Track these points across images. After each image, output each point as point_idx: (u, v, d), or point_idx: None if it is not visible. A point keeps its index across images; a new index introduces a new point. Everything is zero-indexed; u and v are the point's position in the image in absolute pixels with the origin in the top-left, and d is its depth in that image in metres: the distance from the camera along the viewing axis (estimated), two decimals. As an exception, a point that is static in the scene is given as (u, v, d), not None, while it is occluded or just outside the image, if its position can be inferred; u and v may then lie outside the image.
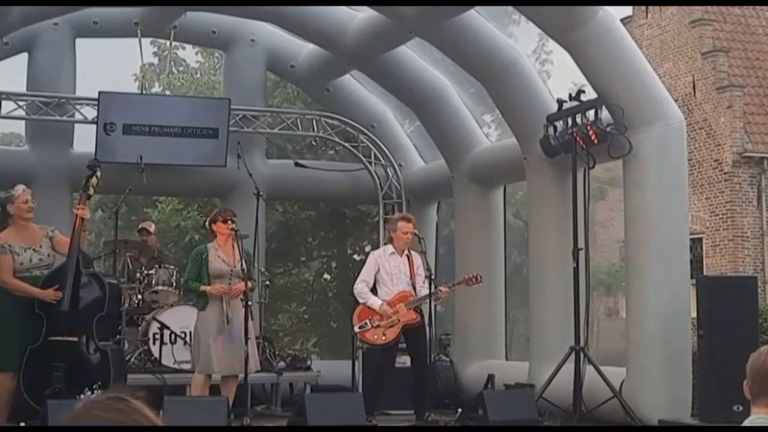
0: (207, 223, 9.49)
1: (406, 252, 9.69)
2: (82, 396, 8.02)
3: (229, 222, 9.06)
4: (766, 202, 19.48)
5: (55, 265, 8.58)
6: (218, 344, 8.83)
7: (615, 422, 9.15)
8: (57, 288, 8.28)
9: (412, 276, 9.60)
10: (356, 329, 9.61)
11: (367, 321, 9.49)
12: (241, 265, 8.87)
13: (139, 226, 12.41)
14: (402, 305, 9.45)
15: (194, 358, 9.11)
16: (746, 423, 3.48)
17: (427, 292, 9.44)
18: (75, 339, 8.30)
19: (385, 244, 10.13)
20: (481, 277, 9.88)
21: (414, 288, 9.56)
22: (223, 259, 8.98)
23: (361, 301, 9.61)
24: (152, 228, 12.21)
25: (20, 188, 8.59)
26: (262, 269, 11.82)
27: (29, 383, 8.18)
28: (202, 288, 8.90)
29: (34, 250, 8.39)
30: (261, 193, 10.83)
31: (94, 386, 8.06)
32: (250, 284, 9.00)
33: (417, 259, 9.69)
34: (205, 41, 14.58)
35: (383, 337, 9.44)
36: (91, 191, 8.71)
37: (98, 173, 8.73)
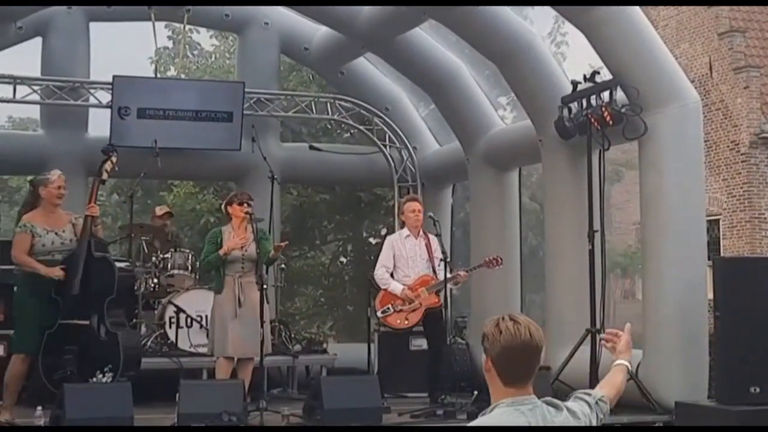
0: (223, 206, 9.50)
1: (422, 234, 9.68)
2: (93, 379, 8.06)
3: (245, 205, 9.07)
4: (783, 182, 19.38)
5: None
6: (233, 327, 8.85)
7: (631, 404, 9.11)
8: (64, 268, 8.29)
9: (431, 258, 9.59)
10: (379, 314, 9.63)
11: (390, 306, 9.51)
12: (256, 248, 8.89)
13: (161, 211, 12.36)
14: (423, 289, 9.45)
15: (211, 341, 9.16)
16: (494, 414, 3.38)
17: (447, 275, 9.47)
18: (86, 322, 8.31)
19: (400, 228, 10.13)
20: (501, 260, 9.86)
21: (434, 271, 9.55)
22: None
23: (382, 286, 9.61)
24: (161, 212, 12.24)
25: (56, 173, 8.62)
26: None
27: (46, 367, 8.22)
28: (221, 251, 8.90)
29: (56, 233, 8.42)
30: (276, 177, 10.84)
31: (105, 369, 8.08)
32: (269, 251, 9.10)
33: (434, 242, 9.69)
34: (219, 24, 14.57)
35: (406, 321, 9.48)
36: (105, 176, 8.75)
37: (113, 158, 8.75)
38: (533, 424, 3.35)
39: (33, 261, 8.30)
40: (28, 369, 8.33)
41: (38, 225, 8.40)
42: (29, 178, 9.78)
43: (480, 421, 3.37)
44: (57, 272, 8.25)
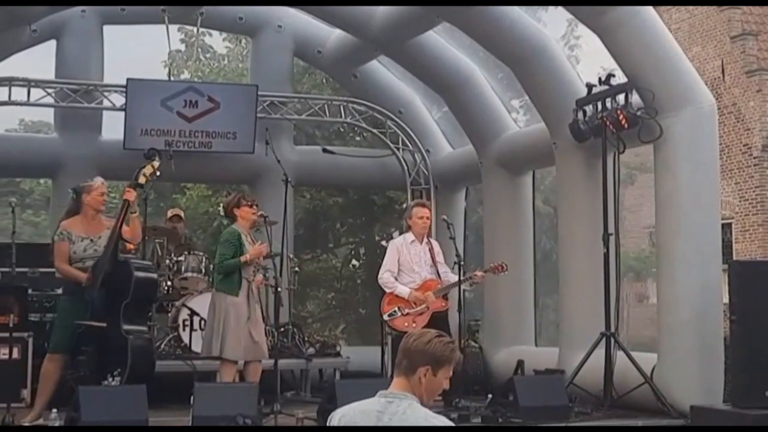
0: (226, 207, 9.27)
1: (426, 239, 9.67)
2: (104, 382, 8.06)
3: (254, 207, 9.02)
4: (796, 186, 19.32)
5: None
6: (247, 330, 8.83)
7: (646, 408, 9.10)
8: (90, 272, 8.35)
9: (434, 263, 9.58)
10: (385, 317, 9.59)
11: (396, 309, 9.48)
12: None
13: (170, 214, 12.39)
14: (430, 293, 9.42)
15: (222, 344, 8.87)
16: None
17: (455, 278, 9.45)
18: (104, 324, 8.30)
19: (405, 232, 10.06)
20: (507, 266, 9.82)
21: (438, 275, 9.54)
22: (253, 244, 8.98)
23: (388, 290, 9.56)
24: (170, 214, 12.28)
25: (99, 180, 8.70)
26: (291, 255, 11.83)
27: (72, 368, 8.28)
28: (243, 258, 8.82)
29: (91, 240, 8.46)
30: (289, 180, 10.82)
31: (115, 373, 8.07)
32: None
33: (436, 245, 9.68)
34: (232, 27, 14.61)
35: (413, 324, 9.42)
36: (142, 180, 8.68)
37: (155, 163, 8.72)
38: (382, 412, 3.86)
39: (73, 270, 8.39)
40: (61, 371, 8.37)
41: (74, 232, 8.45)
42: (43, 180, 9.78)
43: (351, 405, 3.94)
44: (85, 277, 8.33)
